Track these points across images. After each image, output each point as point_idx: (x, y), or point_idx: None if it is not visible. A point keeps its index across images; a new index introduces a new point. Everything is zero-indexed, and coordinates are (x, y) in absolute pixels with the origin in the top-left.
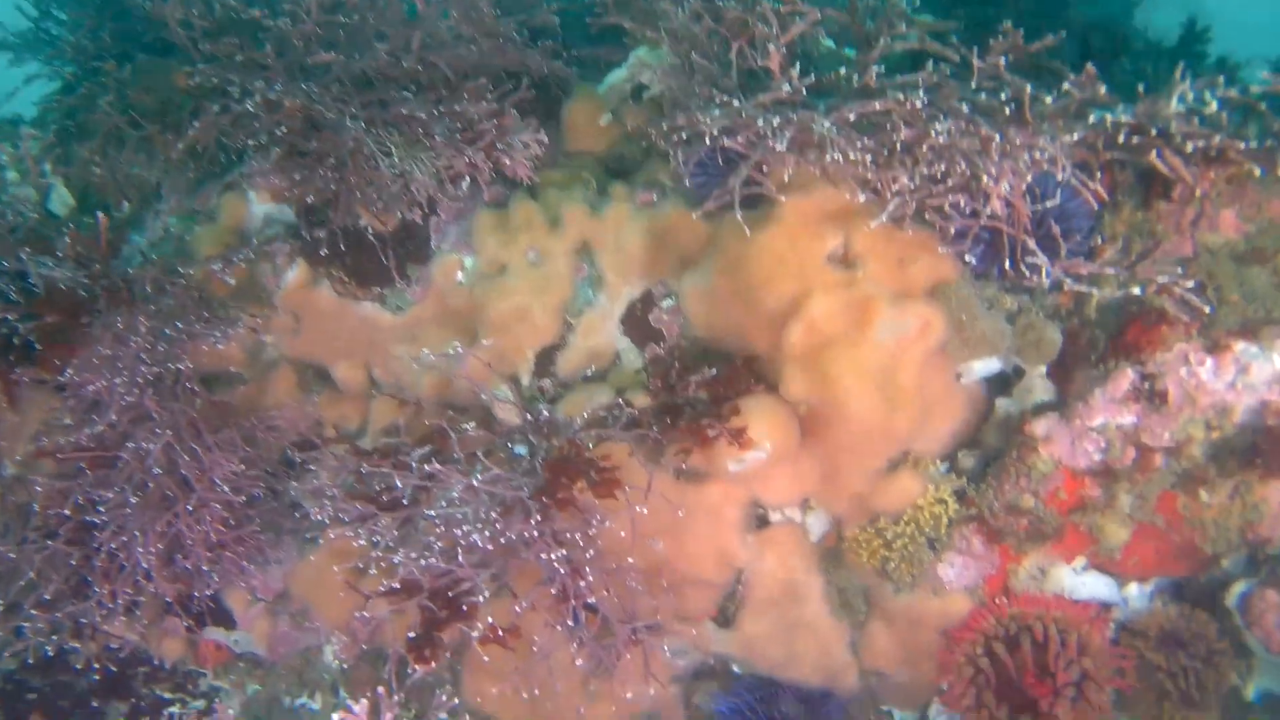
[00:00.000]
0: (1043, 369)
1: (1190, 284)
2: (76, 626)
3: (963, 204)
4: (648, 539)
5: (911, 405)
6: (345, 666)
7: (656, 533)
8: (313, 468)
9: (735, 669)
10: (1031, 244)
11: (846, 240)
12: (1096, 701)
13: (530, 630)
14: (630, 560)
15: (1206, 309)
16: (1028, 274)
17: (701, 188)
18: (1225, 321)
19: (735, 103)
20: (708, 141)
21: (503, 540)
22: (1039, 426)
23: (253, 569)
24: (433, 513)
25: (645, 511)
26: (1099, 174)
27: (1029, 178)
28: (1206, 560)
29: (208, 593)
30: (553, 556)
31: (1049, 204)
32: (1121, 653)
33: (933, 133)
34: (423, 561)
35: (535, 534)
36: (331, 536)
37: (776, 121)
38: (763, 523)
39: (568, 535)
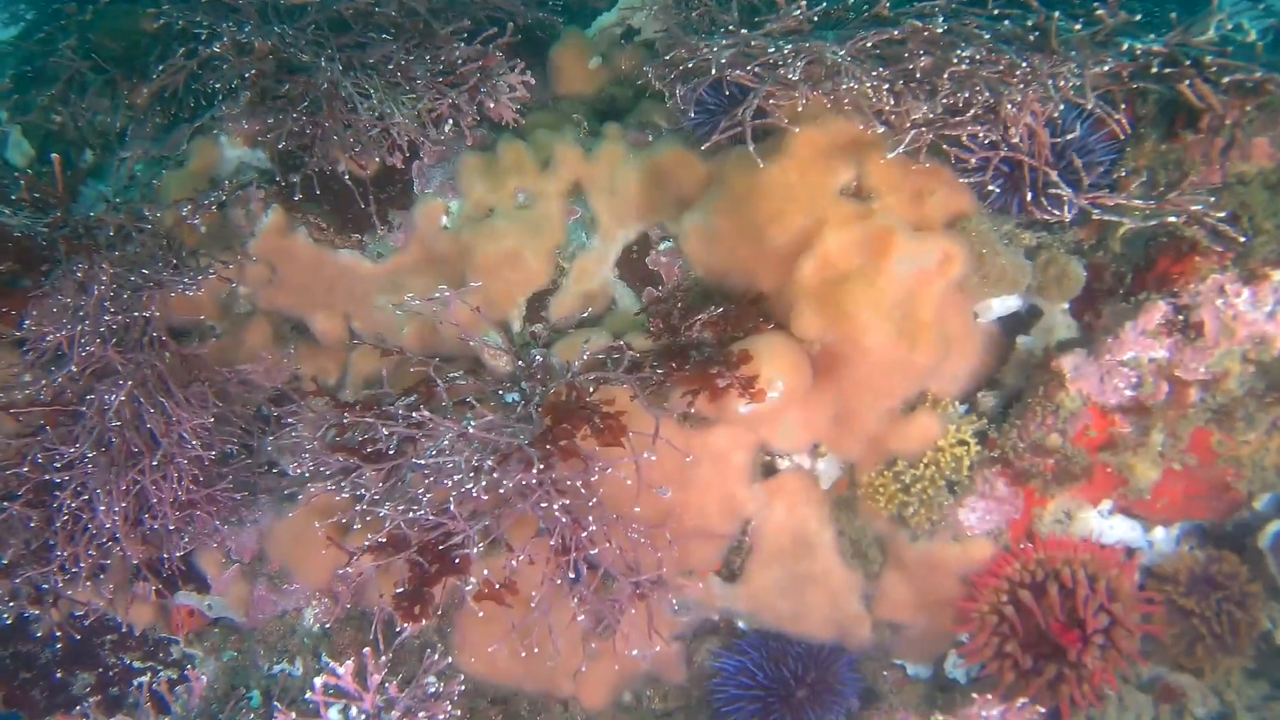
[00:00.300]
0: (1065, 305)
1: (1222, 213)
2: (37, 593)
3: (981, 135)
4: (653, 487)
5: (931, 340)
6: (328, 630)
7: (660, 481)
8: (290, 422)
9: (741, 625)
10: (1054, 175)
11: (859, 173)
12: (1126, 648)
13: (526, 585)
14: (635, 510)
15: (1241, 238)
16: (1049, 207)
17: (700, 126)
18: (1261, 250)
19: (743, 31)
20: (712, 73)
21: (500, 490)
22: (1066, 362)
23: (226, 529)
24: (422, 462)
25: (653, 458)
26: (1122, 105)
27: (1054, 107)
28: (1236, 502)
29: (178, 555)
30: (554, 506)
31: (1069, 136)
32: (1150, 597)
33: (954, 59)
34: (411, 514)
35: (535, 483)
36: (311, 492)
37: (789, 49)
38: (770, 470)
39: (569, 483)
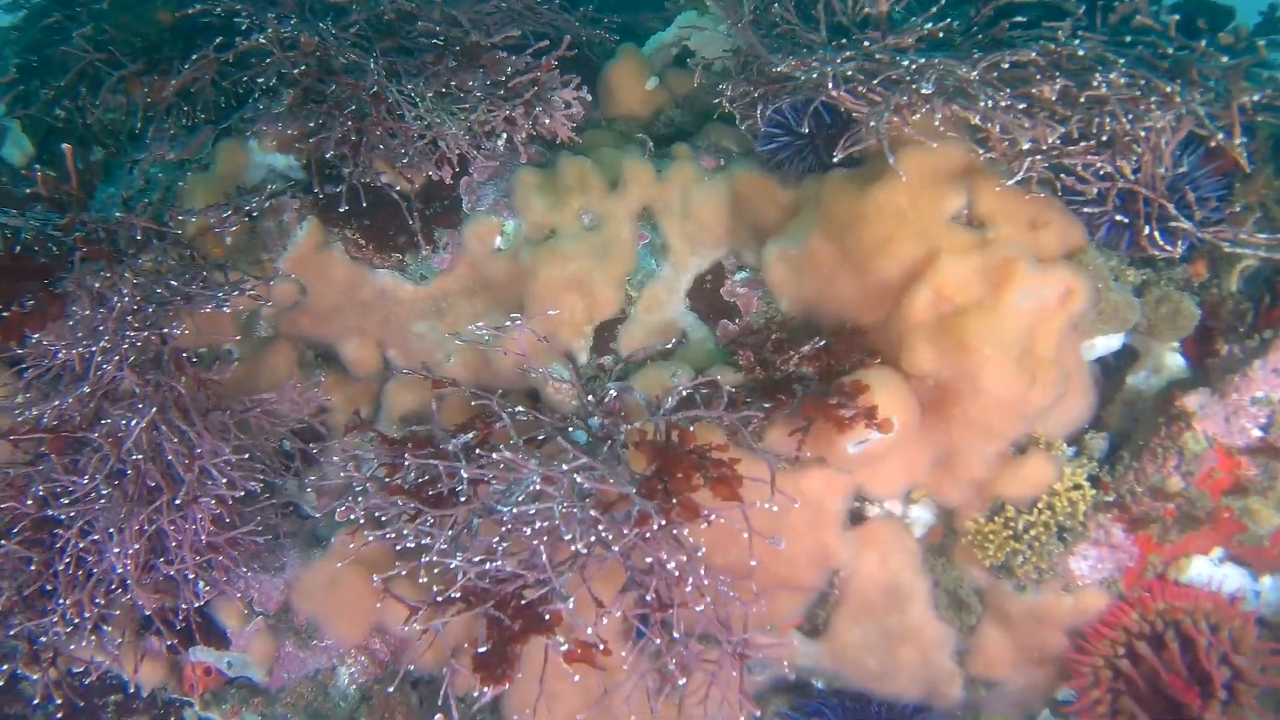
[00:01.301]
0: (1176, 344)
1: None
2: (33, 648)
3: (1098, 165)
4: (764, 538)
5: (1051, 379)
6: (365, 692)
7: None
8: (330, 460)
9: (817, 684)
10: (1172, 208)
11: (971, 200)
12: (1248, 701)
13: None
14: (721, 560)
15: None
16: (1162, 242)
17: (779, 150)
18: None
19: (865, 43)
20: (828, 87)
21: (614, 547)
22: (1190, 401)
23: (249, 576)
24: (507, 508)
25: (774, 509)
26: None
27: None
28: None
29: (195, 605)
30: (661, 560)
31: (1180, 170)
32: (1271, 647)
33: (1094, 81)
34: (488, 565)
35: (648, 538)
36: (345, 538)
37: (916, 64)
38: (858, 517)
39: (676, 536)
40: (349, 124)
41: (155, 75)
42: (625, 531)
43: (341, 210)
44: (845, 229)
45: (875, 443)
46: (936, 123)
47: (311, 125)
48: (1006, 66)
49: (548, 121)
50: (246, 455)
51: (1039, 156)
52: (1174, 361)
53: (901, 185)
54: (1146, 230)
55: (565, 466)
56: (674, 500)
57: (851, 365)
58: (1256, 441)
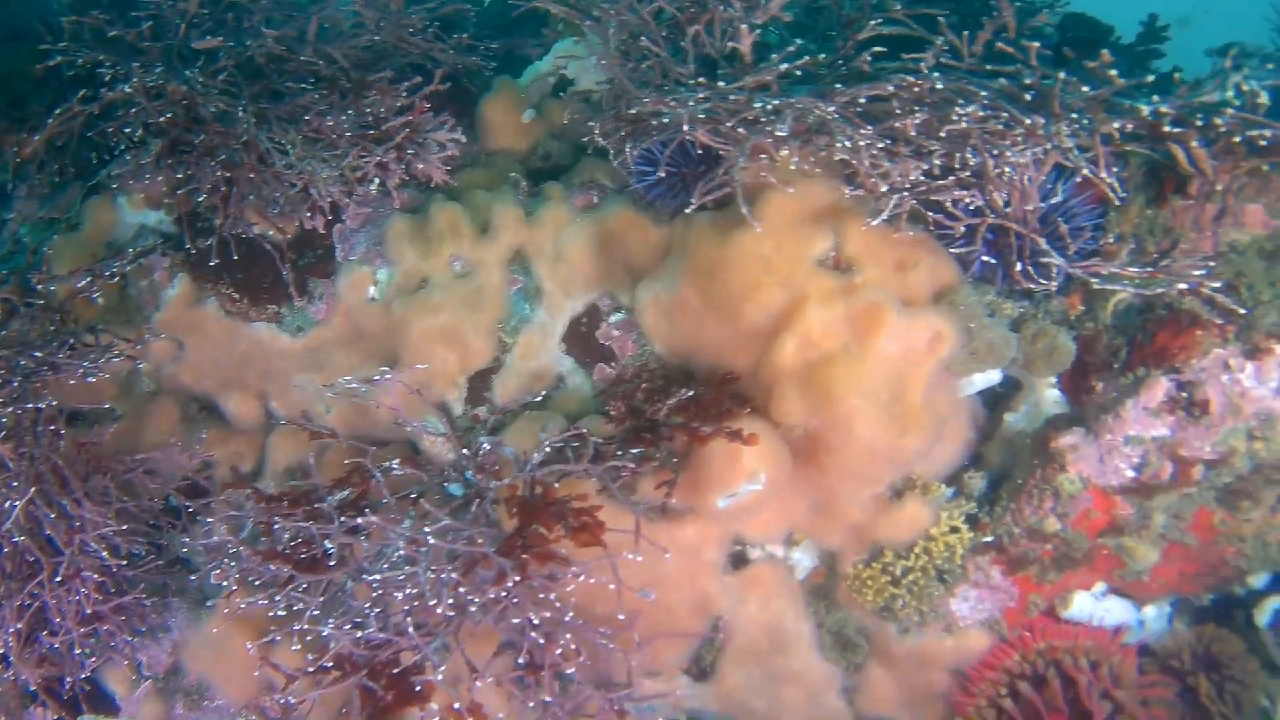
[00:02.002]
0: (1053, 380)
1: (1218, 283)
2: None
3: (967, 200)
4: (633, 590)
5: (923, 425)
6: None
7: (626, 581)
8: (205, 520)
9: None
10: (1043, 242)
11: (838, 242)
12: None
13: (490, 707)
14: (601, 612)
15: (1241, 310)
16: (1036, 276)
17: (652, 188)
18: (1261, 323)
19: (719, 84)
20: (683, 129)
21: (472, 607)
22: (1065, 441)
23: (137, 641)
24: (374, 577)
25: (639, 559)
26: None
27: (1046, 171)
28: (1226, 577)
29: (81, 675)
30: (526, 620)
31: (1053, 200)
32: (1153, 681)
33: (954, 116)
34: (359, 633)
35: (507, 596)
36: (233, 599)
37: (772, 104)
38: (741, 560)
39: (542, 595)
40: (219, 172)
41: (24, 131)
42: (489, 592)
43: (213, 265)
44: (711, 275)
45: (744, 496)
46: (793, 165)
47: (180, 176)
48: (864, 101)
49: (421, 166)
50: (130, 518)
51: (906, 193)
52: (1051, 397)
53: (766, 229)
54: (1019, 266)
55: (428, 529)
56: (529, 554)
57: (721, 416)
58: (1130, 482)
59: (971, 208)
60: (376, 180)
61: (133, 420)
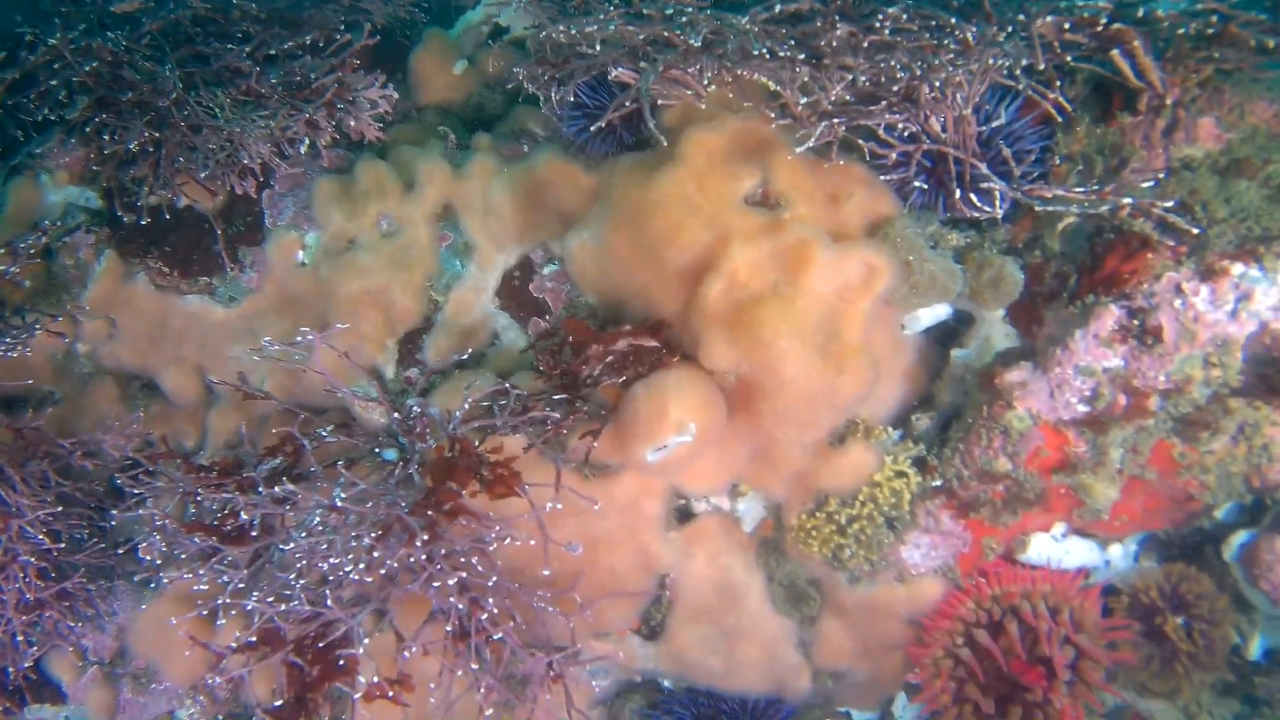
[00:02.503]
0: (1001, 312)
1: (1169, 203)
2: None
3: (900, 125)
4: (560, 545)
5: (859, 365)
6: None
7: (563, 539)
8: (139, 492)
9: (665, 683)
10: (984, 167)
11: (766, 178)
12: (1094, 680)
13: (423, 675)
14: (540, 574)
15: (1194, 230)
16: (979, 203)
17: (581, 132)
18: (1217, 243)
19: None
20: (596, 62)
21: (383, 571)
22: (1012, 377)
23: (81, 627)
24: (289, 546)
25: (559, 507)
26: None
27: (982, 89)
28: (1194, 511)
29: (25, 665)
30: (447, 585)
31: (995, 123)
32: (1115, 624)
33: (877, 23)
34: (283, 605)
35: (423, 558)
36: (172, 577)
37: (685, 17)
38: (686, 515)
39: (463, 558)
40: (146, 134)
41: None
42: (395, 556)
43: (141, 239)
44: (636, 218)
45: (675, 448)
46: (713, 93)
47: (106, 138)
48: (777, 10)
49: (353, 123)
50: (71, 502)
51: (837, 120)
52: (1001, 330)
53: (688, 168)
54: (958, 193)
55: (344, 495)
56: (439, 512)
57: (650, 365)
58: (1083, 416)
59: (905, 134)
60: (307, 140)
61: (72, 403)
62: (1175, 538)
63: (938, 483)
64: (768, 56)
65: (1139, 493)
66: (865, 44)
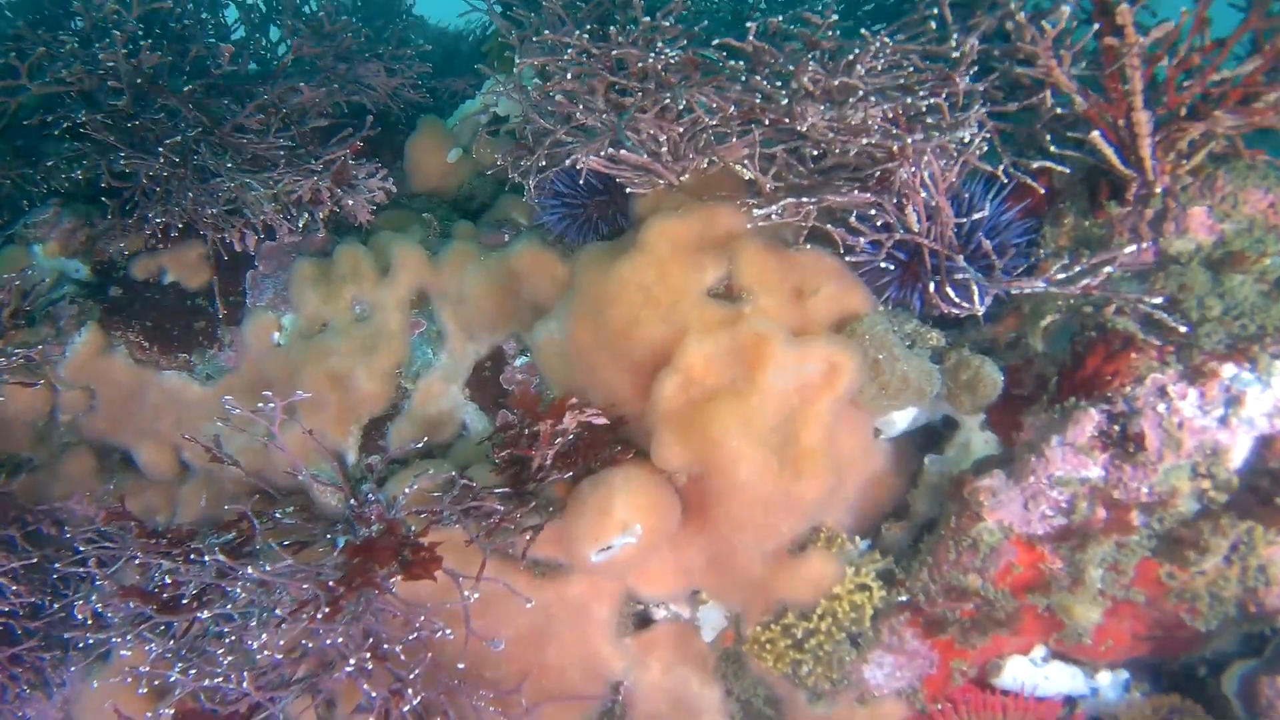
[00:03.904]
0: (980, 417)
1: (1157, 299)
2: None
3: (874, 213)
4: (483, 641)
5: (818, 469)
6: None
7: (513, 641)
8: (81, 550)
9: None
10: (960, 260)
11: (731, 270)
12: None
13: None
14: (485, 673)
15: (1182, 328)
16: (956, 299)
17: (560, 221)
18: (1206, 342)
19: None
20: (580, 159)
21: (298, 653)
22: (983, 486)
23: (32, 694)
24: (203, 615)
25: (476, 596)
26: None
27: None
28: (1191, 638)
29: None
30: (364, 668)
31: (976, 215)
32: None
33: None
34: (206, 681)
35: (339, 641)
36: (119, 649)
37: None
38: (645, 621)
39: (385, 645)
40: (159, 167)
41: None
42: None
43: (122, 312)
44: (597, 309)
45: (620, 549)
46: (683, 176)
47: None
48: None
49: (350, 203)
50: (35, 569)
51: (803, 197)
52: (981, 437)
53: (649, 257)
54: (932, 286)
55: (267, 568)
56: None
57: (604, 461)
58: (1057, 530)
59: (880, 223)
60: (306, 215)
61: (48, 470)
62: (1171, 664)
63: (904, 598)
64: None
65: (1126, 616)
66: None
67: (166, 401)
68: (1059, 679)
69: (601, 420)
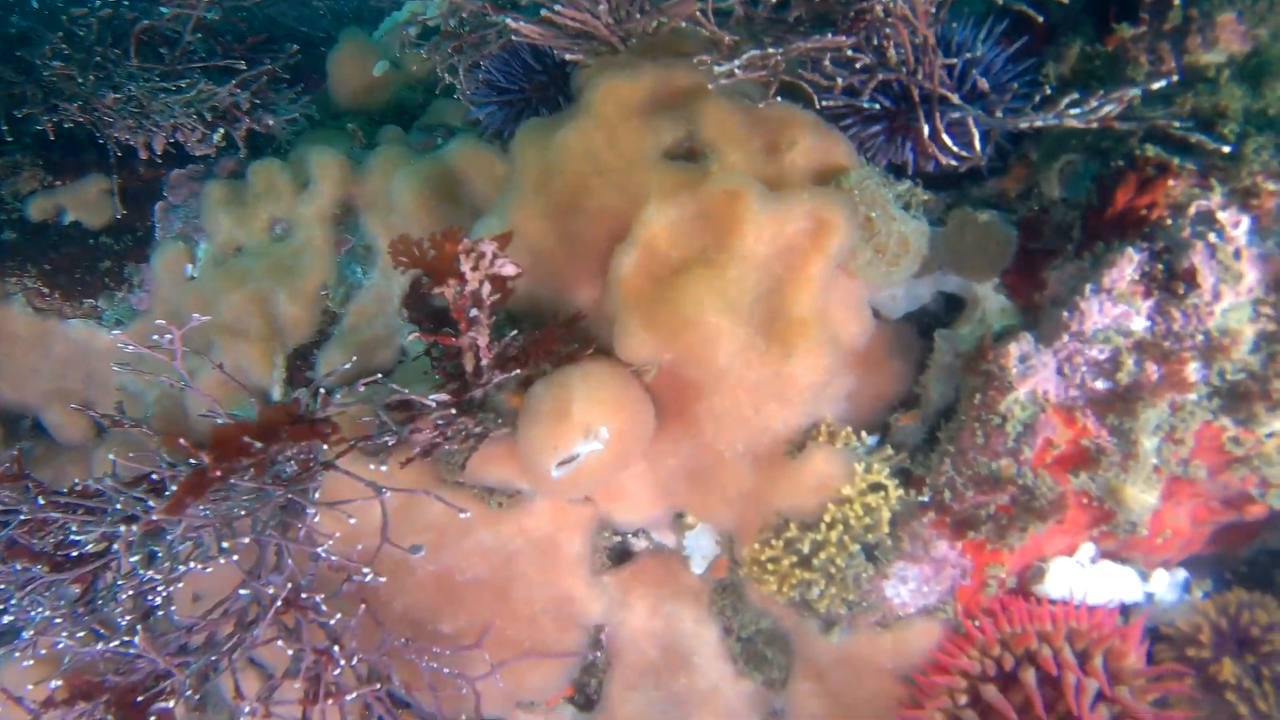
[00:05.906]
0: (994, 280)
1: (1189, 121)
2: None
3: (852, 57)
4: (399, 548)
5: (813, 343)
6: None
7: (471, 587)
8: None
9: None
10: (955, 98)
11: (692, 129)
12: None
13: None
14: (458, 632)
15: (1225, 148)
16: (954, 147)
17: (494, 114)
18: (1255, 160)
19: None
20: (510, 23)
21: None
22: (1009, 353)
23: None
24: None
25: (388, 495)
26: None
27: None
28: (1260, 523)
29: None
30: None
31: (968, 55)
32: (1162, 671)
33: None
34: (99, 645)
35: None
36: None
37: None
38: (624, 555)
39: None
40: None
41: None
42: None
43: (18, 253)
44: (541, 189)
45: (586, 458)
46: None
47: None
48: None
49: (271, 121)
50: None
51: (770, 50)
52: (997, 304)
53: (595, 121)
54: (926, 130)
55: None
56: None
57: (559, 361)
58: (1101, 394)
59: (858, 66)
60: (221, 129)
61: None
62: (1236, 558)
63: (925, 497)
64: None
65: (1185, 498)
66: None
67: (74, 354)
68: (1111, 582)
69: (511, 269)
